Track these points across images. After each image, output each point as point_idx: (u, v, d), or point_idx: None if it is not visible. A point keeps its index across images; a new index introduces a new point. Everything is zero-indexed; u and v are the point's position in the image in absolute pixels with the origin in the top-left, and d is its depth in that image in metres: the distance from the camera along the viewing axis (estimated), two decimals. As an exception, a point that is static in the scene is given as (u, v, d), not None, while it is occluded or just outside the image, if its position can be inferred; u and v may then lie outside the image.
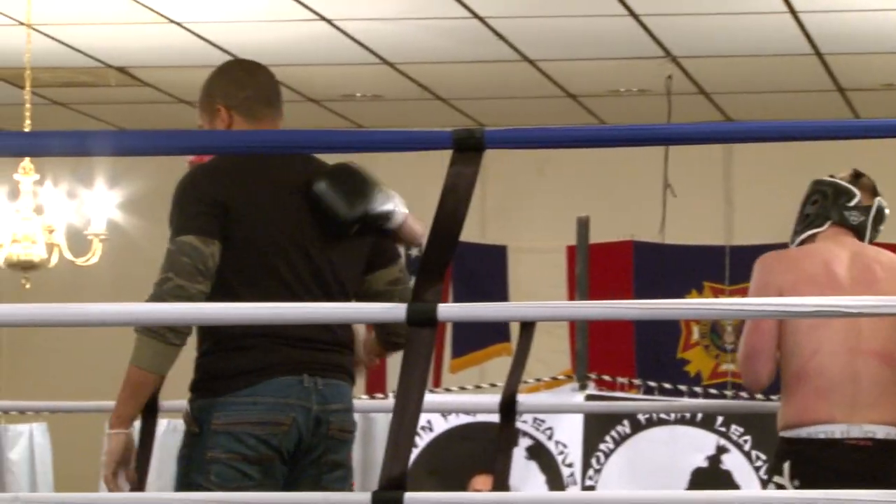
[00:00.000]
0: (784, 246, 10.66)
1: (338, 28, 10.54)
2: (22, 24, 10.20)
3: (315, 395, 5.03)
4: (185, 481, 5.13)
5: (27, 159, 10.41)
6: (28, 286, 10.64)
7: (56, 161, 10.64)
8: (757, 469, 9.93)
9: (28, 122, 10.71)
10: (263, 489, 5.00)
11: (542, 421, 9.61)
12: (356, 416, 5.46)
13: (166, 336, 5.02)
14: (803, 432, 6.31)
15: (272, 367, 5.05)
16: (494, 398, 6.59)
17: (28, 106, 10.68)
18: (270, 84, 5.51)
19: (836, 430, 6.44)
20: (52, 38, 10.72)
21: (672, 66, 11.17)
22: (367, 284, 5.22)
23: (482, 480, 8.66)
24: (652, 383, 10.30)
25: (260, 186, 5.21)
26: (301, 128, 12.01)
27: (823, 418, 6.40)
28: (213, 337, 5.15)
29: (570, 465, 10.04)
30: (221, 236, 5.07)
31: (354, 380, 5.27)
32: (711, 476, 9.93)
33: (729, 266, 10.89)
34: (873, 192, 6.52)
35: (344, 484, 5.14)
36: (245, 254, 5.11)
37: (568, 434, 9.85)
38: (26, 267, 10.60)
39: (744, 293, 10.85)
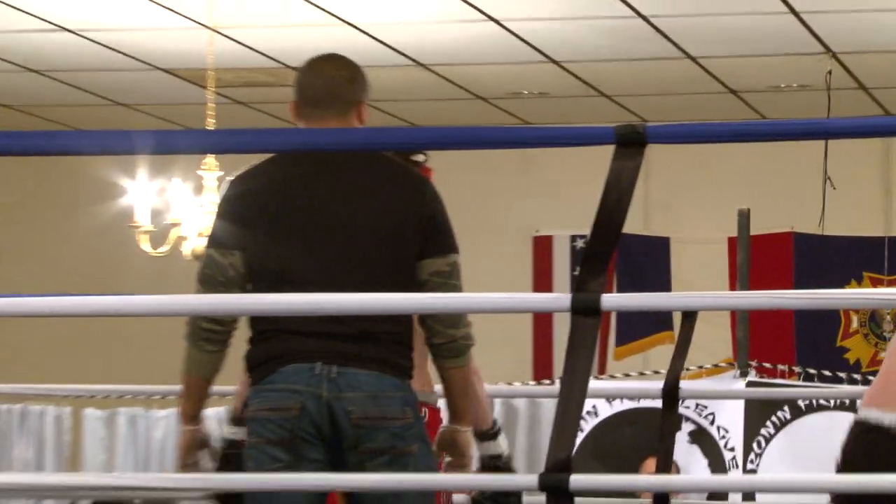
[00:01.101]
0: None
1: (506, 28, 10.51)
2: (205, 27, 10.34)
3: (327, 383, 5.05)
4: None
5: (210, 156, 10.61)
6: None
7: (235, 158, 10.79)
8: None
9: (211, 120, 10.88)
10: (294, 471, 5.09)
11: (705, 406, 9.63)
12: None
13: (200, 345, 5.23)
14: None
15: (286, 356, 5.10)
16: (657, 384, 6.66)
17: (211, 105, 10.81)
18: (317, 84, 5.46)
19: None
20: (234, 40, 10.83)
21: (832, 62, 11.10)
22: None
23: (647, 463, 8.69)
24: (811, 370, 10.29)
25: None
26: (469, 125, 12.13)
27: None
28: (249, 334, 5.23)
29: (731, 450, 10.09)
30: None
31: (396, 369, 5.16)
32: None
33: (887, 257, 10.87)
34: None
35: (396, 469, 5.12)
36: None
37: (729, 419, 9.86)
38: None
39: (900, 284, 10.94)
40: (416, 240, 5.16)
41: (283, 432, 5.11)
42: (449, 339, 5.09)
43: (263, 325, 5.17)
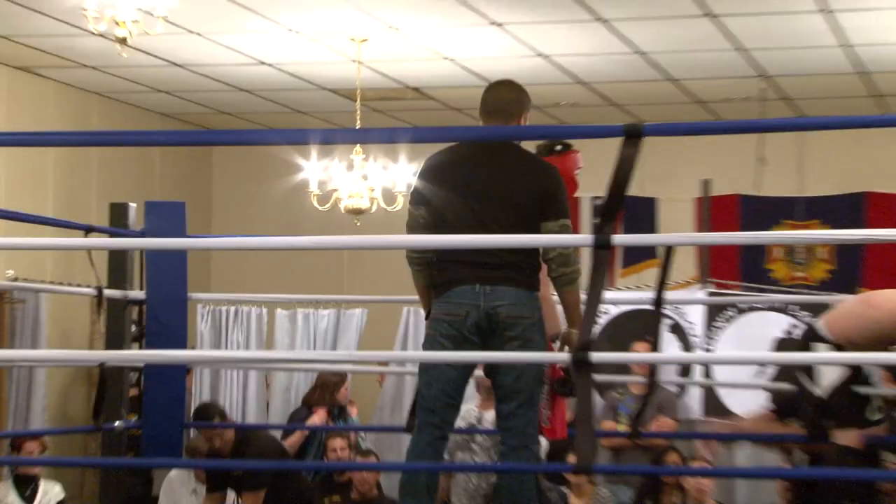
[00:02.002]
0: (852, 197, 10.62)
1: (550, 60, 10.69)
2: (355, 61, 10.42)
3: (483, 297, 5.11)
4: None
5: (358, 145, 10.60)
6: (358, 224, 10.85)
7: (376, 145, 10.86)
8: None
9: (358, 123, 10.96)
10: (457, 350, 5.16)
11: (678, 308, 9.67)
12: None
13: (413, 267, 5.37)
14: None
15: (456, 280, 5.18)
16: (649, 294, 6.80)
17: (358, 112, 10.91)
18: (490, 101, 5.46)
19: None
20: (372, 69, 10.80)
21: (766, 81, 11.09)
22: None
23: (641, 346, 8.58)
24: (749, 284, 10.43)
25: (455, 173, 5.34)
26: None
27: None
28: (435, 261, 5.32)
29: (696, 336, 10.16)
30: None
31: (526, 285, 5.16)
32: (788, 343, 9.99)
33: (797, 210, 10.87)
34: None
35: (521, 348, 5.09)
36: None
37: (695, 317, 9.91)
38: (356, 212, 10.83)
39: (810, 227, 10.88)
40: (537, 206, 5.18)
41: (453, 330, 5.19)
42: (561, 273, 5.10)
43: (443, 258, 5.27)
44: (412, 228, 5.33)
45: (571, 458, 7.40)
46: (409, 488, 5.26)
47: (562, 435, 5.84)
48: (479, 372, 5.99)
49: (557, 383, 5.61)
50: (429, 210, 5.26)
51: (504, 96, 5.48)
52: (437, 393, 5.27)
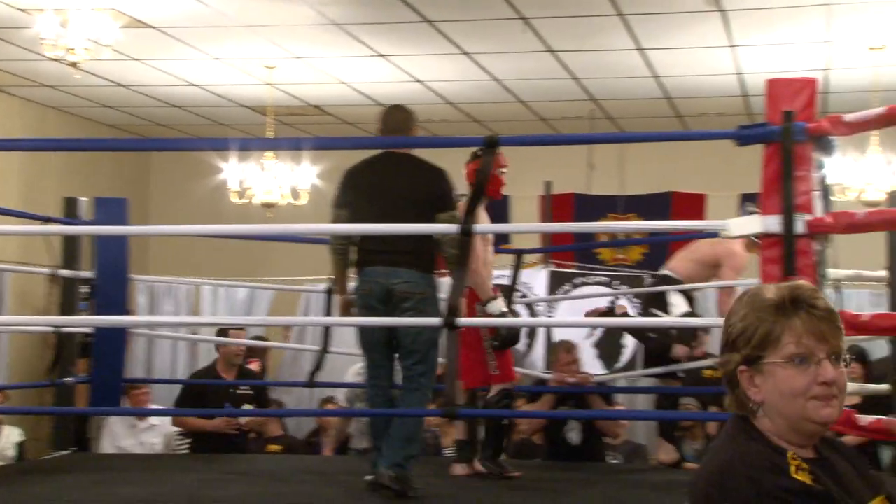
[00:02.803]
0: (661, 195, 10.81)
1: (426, 85, 10.64)
2: (266, 83, 10.35)
3: (385, 276, 5.13)
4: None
5: (270, 151, 10.61)
6: (270, 216, 10.81)
7: (284, 151, 10.85)
8: (636, 309, 10.09)
9: (270, 133, 10.96)
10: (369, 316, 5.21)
11: (526, 283, 9.63)
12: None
13: (334, 252, 5.35)
14: None
15: (367, 262, 5.20)
16: (502, 272, 6.86)
17: (270, 125, 10.91)
18: (389, 121, 5.45)
19: None
20: (281, 89, 10.73)
21: (593, 104, 11.18)
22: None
23: None
24: (582, 264, 10.53)
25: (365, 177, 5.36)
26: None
27: None
28: (357, 251, 5.33)
29: (540, 305, 10.23)
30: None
31: (421, 267, 5.16)
32: (610, 313, 10.10)
33: (619, 205, 11.03)
34: None
35: (414, 314, 5.09)
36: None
37: (539, 289, 9.93)
38: (268, 206, 10.74)
39: (629, 219, 11.04)
40: (431, 202, 5.16)
41: (365, 301, 5.23)
42: (451, 254, 5.06)
43: (360, 247, 5.27)
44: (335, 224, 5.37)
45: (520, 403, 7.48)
46: (374, 431, 5.32)
47: (510, 378, 5.90)
48: None
49: (492, 339, 5.73)
50: (348, 210, 5.27)
51: (397, 116, 5.50)
52: (369, 347, 5.32)
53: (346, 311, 5.50)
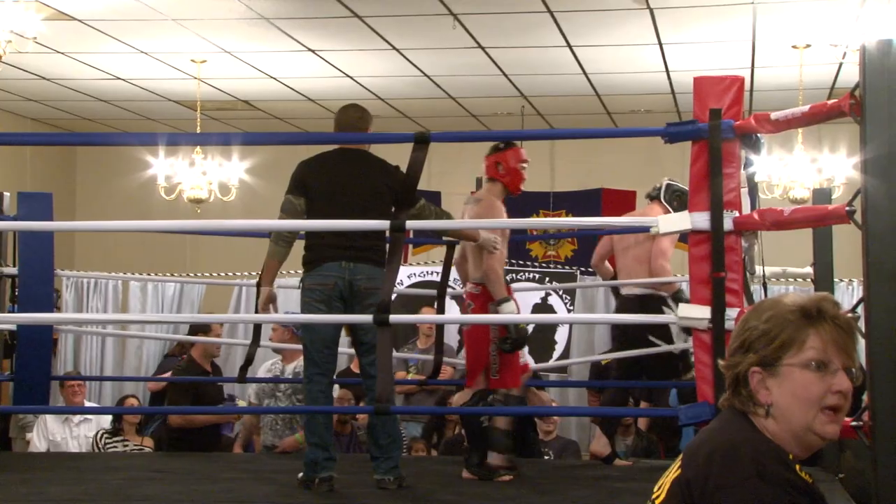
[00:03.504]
0: (590, 192, 10.83)
1: (357, 81, 10.63)
2: (196, 78, 10.25)
3: (347, 271, 5.13)
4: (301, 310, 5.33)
5: (198, 147, 10.56)
6: (199, 212, 10.72)
7: (213, 147, 10.79)
8: (566, 305, 10.13)
9: (198, 128, 10.86)
10: (327, 313, 5.15)
11: (457, 278, 9.58)
12: None
13: (279, 244, 5.31)
14: None
15: (324, 258, 5.19)
16: (436, 268, 6.81)
17: (199, 120, 10.80)
18: (343, 120, 5.43)
19: None
20: (209, 84, 10.64)
21: (524, 101, 11.21)
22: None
23: (428, 309, 8.50)
24: (515, 261, 10.50)
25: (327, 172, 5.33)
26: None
27: None
28: (305, 245, 5.35)
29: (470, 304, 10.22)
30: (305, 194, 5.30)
31: (379, 261, 5.17)
32: (543, 307, 10.12)
33: (550, 201, 11.08)
34: None
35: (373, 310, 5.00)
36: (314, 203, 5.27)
37: None
38: (197, 202, 10.65)
39: (559, 216, 11.10)
40: (391, 196, 5.14)
41: (323, 296, 5.18)
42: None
43: (312, 241, 5.30)
44: (288, 213, 5.28)
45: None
46: (313, 428, 5.27)
47: (513, 384, 5.66)
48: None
49: (501, 341, 5.58)
50: (306, 200, 5.24)
51: (353, 115, 5.47)
52: (320, 346, 5.27)
53: (266, 305, 5.46)
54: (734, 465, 1.98)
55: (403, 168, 5.08)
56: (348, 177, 5.24)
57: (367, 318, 4.96)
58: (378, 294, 5.05)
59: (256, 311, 5.85)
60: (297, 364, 7.33)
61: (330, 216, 5.13)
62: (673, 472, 2.10)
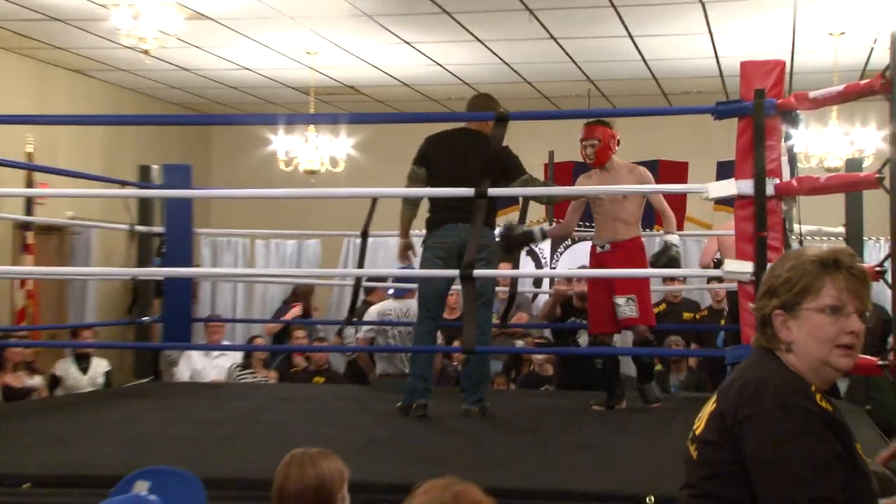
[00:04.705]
0: (649, 163, 10.64)
1: (444, 67, 10.59)
2: (308, 67, 10.25)
3: (464, 231, 5.08)
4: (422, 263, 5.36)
5: (312, 125, 10.63)
6: (312, 181, 10.73)
7: (324, 125, 10.84)
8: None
9: (311, 110, 10.90)
10: (445, 267, 5.14)
11: None
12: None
13: (409, 205, 5.41)
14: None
15: (445, 220, 5.21)
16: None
17: (312, 103, 10.83)
18: (470, 105, 5.53)
19: None
20: (322, 73, 10.61)
21: (590, 84, 11.08)
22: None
23: (505, 265, 8.49)
24: (586, 224, 10.41)
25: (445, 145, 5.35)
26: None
27: None
28: (430, 207, 5.36)
29: (544, 258, 10.24)
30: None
31: (489, 224, 5.20)
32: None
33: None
34: None
35: (484, 266, 5.05)
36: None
37: (543, 245, 9.96)
38: (311, 173, 10.67)
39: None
40: (501, 170, 5.10)
41: (443, 253, 5.19)
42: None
43: (435, 205, 5.31)
44: (412, 181, 5.31)
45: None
46: (417, 361, 5.33)
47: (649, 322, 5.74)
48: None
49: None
50: (427, 170, 5.26)
51: (480, 102, 5.51)
52: (432, 295, 5.30)
53: (404, 254, 5.49)
54: (760, 397, 1.97)
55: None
56: (463, 152, 5.21)
57: (454, 272, 4.97)
58: (487, 250, 5.13)
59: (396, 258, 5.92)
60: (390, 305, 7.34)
61: (445, 185, 5.11)
62: (710, 405, 2.09)
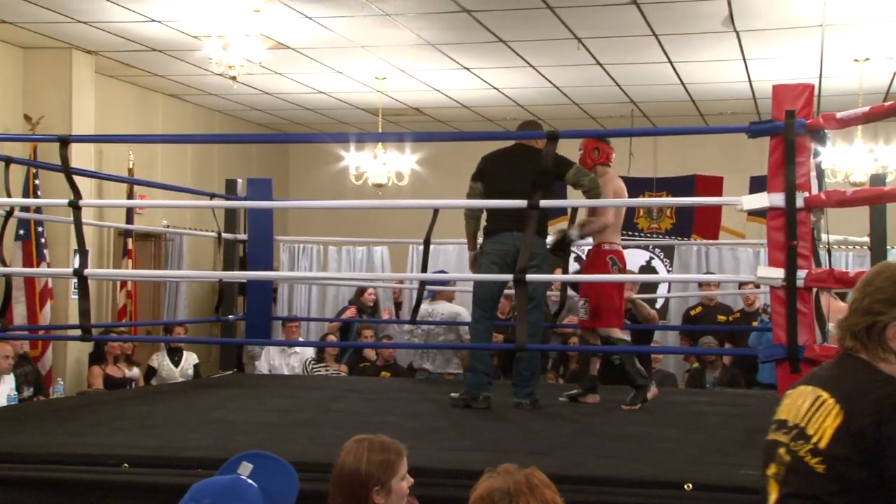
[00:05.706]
0: (687, 178, 10.51)
1: (500, 91, 10.58)
2: (377, 91, 10.28)
3: (516, 240, 4.99)
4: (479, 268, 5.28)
5: (380, 143, 10.59)
6: (380, 194, 10.77)
7: (391, 143, 10.83)
8: (665, 267, 9.95)
9: (379, 129, 10.88)
10: (499, 273, 5.07)
11: (581, 245, 9.38)
12: None
13: (469, 218, 5.34)
14: None
15: (501, 229, 5.15)
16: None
17: (380, 123, 10.84)
18: (522, 125, 5.57)
19: None
20: (388, 96, 10.65)
21: (633, 106, 10.97)
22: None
23: (557, 270, 8.35)
24: (626, 233, 10.30)
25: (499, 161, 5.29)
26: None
27: None
28: (487, 217, 5.31)
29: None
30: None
31: (540, 234, 5.12)
32: (648, 269, 9.97)
33: (654, 185, 10.79)
34: None
35: (535, 272, 4.96)
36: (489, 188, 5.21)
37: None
38: (378, 186, 10.73)
39: (661, 197, 10.75)
40: (549, 177, 4.93)
41: (499, 259, 5.13)
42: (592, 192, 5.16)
43: (491, 216, 5.24)
44: (471, 196, 5.26)
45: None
46: (479, 357, 5.27)
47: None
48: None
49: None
50: (484, 184, 5.22)
51: (526, 126, 5.57)
52: (487, 297, 5.25)
53: (474, 263, 5.41)
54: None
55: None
56: (516, 166, 5.16)
57: (507, 276, 4.92)
58: (539, 257, 5.07)
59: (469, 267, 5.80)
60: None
61: (500, 197, 5.05)
62: (829, 417, 1.96)
